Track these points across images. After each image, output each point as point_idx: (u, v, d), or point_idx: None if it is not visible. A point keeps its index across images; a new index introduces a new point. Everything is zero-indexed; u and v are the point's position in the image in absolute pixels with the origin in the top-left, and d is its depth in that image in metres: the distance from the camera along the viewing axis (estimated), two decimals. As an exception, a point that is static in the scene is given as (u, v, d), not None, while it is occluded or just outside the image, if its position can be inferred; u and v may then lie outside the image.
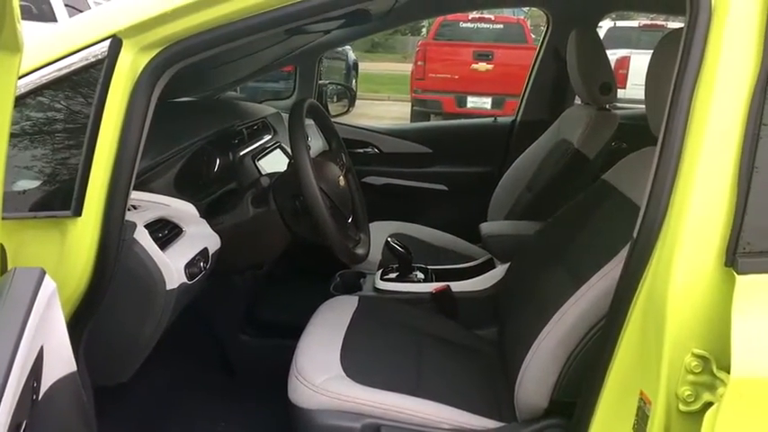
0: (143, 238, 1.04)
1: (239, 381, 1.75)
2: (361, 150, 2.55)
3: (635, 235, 0.94)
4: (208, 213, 1.28)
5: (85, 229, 0.94)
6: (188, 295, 1.19)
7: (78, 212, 0.93)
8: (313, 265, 2.01)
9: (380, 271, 1.79)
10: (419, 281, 1.74)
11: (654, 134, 1.09)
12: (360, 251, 1.38)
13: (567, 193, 1.80)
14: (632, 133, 1.91)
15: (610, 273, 1.13)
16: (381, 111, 9.49)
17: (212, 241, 1.24)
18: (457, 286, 1.70)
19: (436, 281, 1.75)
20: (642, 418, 0.92)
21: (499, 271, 1.71)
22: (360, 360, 1.33)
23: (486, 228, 1.72)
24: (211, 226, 1.26)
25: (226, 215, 1.32)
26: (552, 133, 2.09)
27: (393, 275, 1.76)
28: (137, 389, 1.62)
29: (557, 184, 1.82)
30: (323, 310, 1.55)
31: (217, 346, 1.78)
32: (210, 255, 1.22)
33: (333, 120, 2.58)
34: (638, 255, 0.93)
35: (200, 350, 1.80)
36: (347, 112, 2.70)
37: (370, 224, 2.23)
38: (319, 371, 1.28)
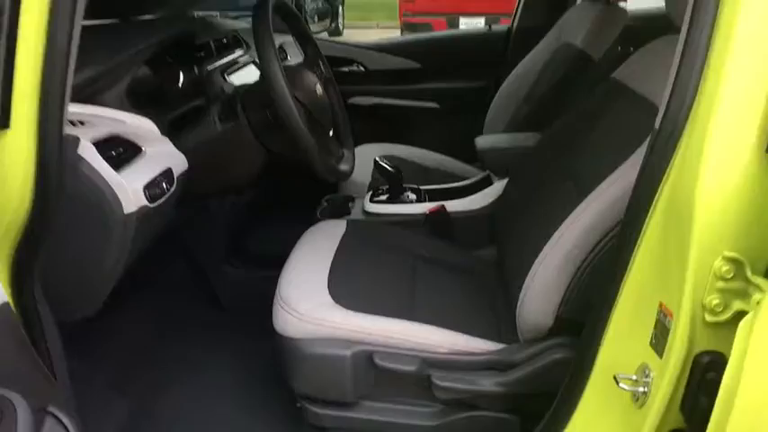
0: (91, 155, 0.91)
1: (226, 315, 1.66)
2: (346, 69, 2.37)
3: (656, 127, 0.82)
4: (171, 131, 1.14)
5: (17, 144, 0.81)
6: (155, 221, 1.07)
7: (5, 124, 0.79)
8: (298, 192, 1.89)
9: (370, 193, 1.67)
10: (411, 202, 1.62)
11: (674, 22, 0.95)
12: (343, 167, 1.25)
13: (570, 100, 1.66)
14: (638, 37, 1.75)
15: (623, 176, 1.01)
16: (370, 38, 9.09)
17: (177, 161, 1.11)
18: (452, 206, 1.59)
19: (429, 201, 1.63)
20: (662, 331, 0.83)
21: (497, 188, 1.59)
22: (349, 285, 1.23)
23: (481, 141, 1.59)
24: (176, 145, 1.12)
25: (191, 133, 1.18)
26: (552, 38, 1.92)
27: (383, 197, 1.64)
28: (119, 325, 1.54)
29: (558, 92, 1.67)
30: (308, 234, 1.44)
31: (201, 279, 1.68)
32: (176, 176, 1.09)
33: (317, 38, 2.40)
34: (659, 151, 0.81)
35: (184, 284, 1.71)
36: (330, 28, 2.49)
37: (358, 148, 2.09)
38: (305, 297, 1.18)
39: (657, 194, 0.81)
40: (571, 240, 1.05)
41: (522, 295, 1.11)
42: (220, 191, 1.33)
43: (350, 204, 1.67)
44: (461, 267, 1.44)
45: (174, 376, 1.41)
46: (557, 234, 1.08)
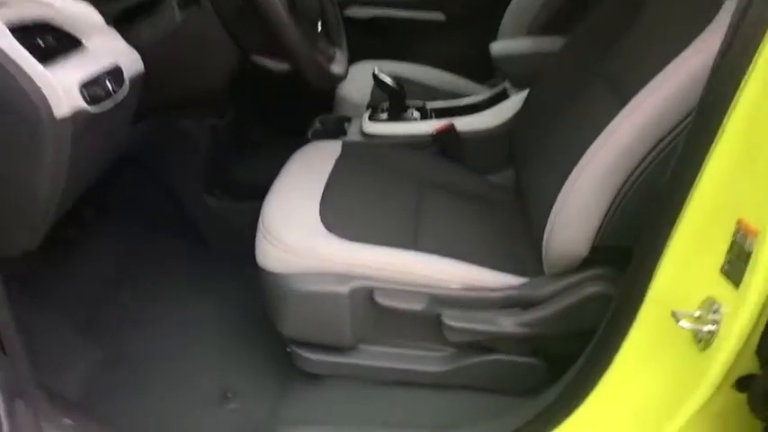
0: (6, 43, 0.71)
1: (208, 250, 1.49)
2: (341, -22, 2.09)
3: None
4: (121, 23, 0.92)
5: None
6: (101, 130, 0.87)
7: None
8: (287, 112, 1.68)
9: (368, 112, 1.46)
10: (415, 120, 1.41)
11: None
12: (336, 69, 1.03)
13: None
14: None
15: (680, 68, 0.81)
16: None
17: (128, 59, 0.90)
18: (462, 124, 1.38)
19: (436, 119, 1.42)
20: (739, 255, 0.65)
21: (515, 102, 1.38)
22: (344, 212, 1.05)
23: (497, 47, 1.37)
24: (127, 40, 0.91)
25: (145, 24, 0.95)
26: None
27: (384, 116, 1.43)
28: (86, 264, 1.37)
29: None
30: (298, 156, 1.24)
31: (179, 211, 1.49)
32: (128, 77, 0.88)
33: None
34: (753, 18, 0.60)
35: (160, 217, 1.52)
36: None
37: (354, 65, 1.87)
38: (293, 227, 1.00)
39: (747, 75, 0.61)
40: (611, 155, 0.86)
41: (550, 222, 0.92)
42: (187, 101, 1.12)
43: (346, 125, 1.47)
44: (474, 193, 1.26)
45: (148, 319, 1.25)
46: (592, 149, 0.88)
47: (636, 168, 0.83)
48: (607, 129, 0.88)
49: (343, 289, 0.95)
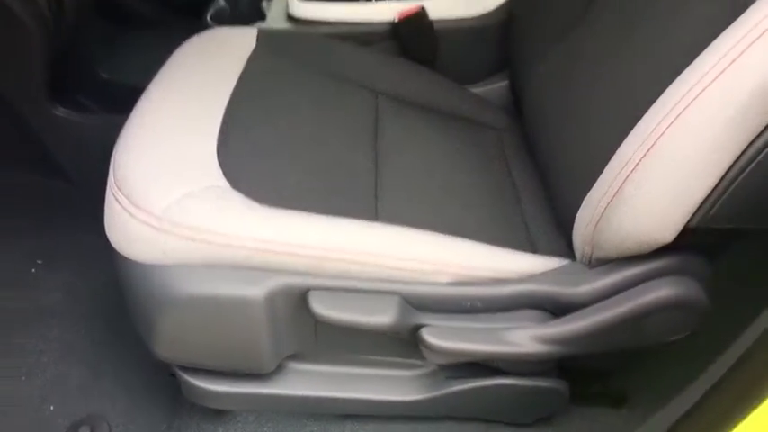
0: None
1: (64, 188, 1.03)
2: None
3: None
4: None
5: None
6: None
7: None
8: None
9: (298, -15, 0.99)
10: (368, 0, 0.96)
11: None
12: None
13: None
14: None
15: None
16: None
17: None
18: (437, 9, 0.95)
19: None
20: None
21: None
22: (258, 154, 0.63)
23: None
24: None
25: None
26: None
27: (321, -8, 0.97)
28: None
29: None
30: (185, 49, 0.79)
31: (24, 128, 1.01)
32: None
33: None
34: None
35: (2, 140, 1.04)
36: None
37: None
38: (169, 179, 0.58)
39: None
40: (728, 96, 0.47)
41: (611, 192, 0.55)
42: None
43: (264, 3, 0.99)
44: (452, 112, 0.86)
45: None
46: (684, 82, 0.50)
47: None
48: (714, 50, 0.49)
49: (257, 291, 0.56)
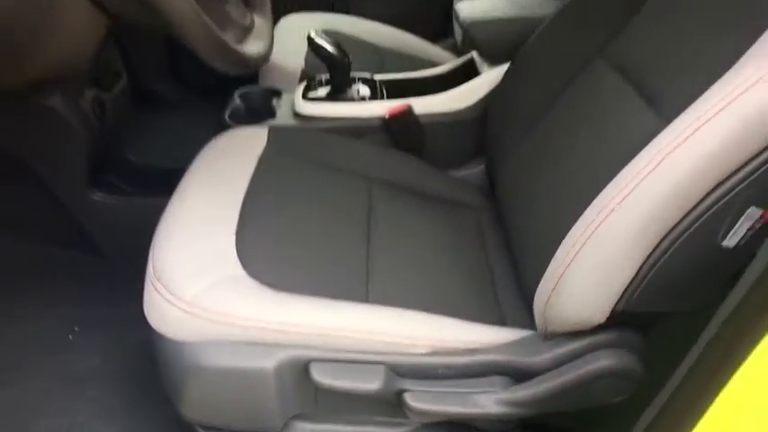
0: None
1: (98, 262, 1.17)
2: None
3: None
4: None
5: None
6: None
7: None
8: (197, 80, 1.34)
9: (303, 85, 1.15)
10: (363, 99, 1.12)
11: None
12: (253, 47, 0.72)
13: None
14: None
15: (758, 70, 0.56)
16: None
17: None
18: (422, 105, 1.10)
19: (389, 98, 1.13)
20: None
21: (487, 79, 1.10)
22: (270, 243, 0.77)
23: (467, 9, 1.07)
24: None
25: None
26: None
27: (323, 92, 1.12)
28: None
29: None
30: (208, 152, 0.93)
31: (64, 211, 1.16)
32: None
33: None
34: None
35: (37, 220, 1.18)
36: None
37: (283, 19, 1.53)
38: (197, 270, 0.71)
39: None
40: (651, 197, 0.60)
41: (552, 272, 0.68)
42: (42, 79, 0.78)
43: (274, 102, 1.15)
44: (437, 195, 1.00)
45: (3, 366, 0.95)
46: (617, 184, 0.63)
47: (686, 216, 0.59)
48: (645, 153, 0.62)
49: (268, 363, 0.68)
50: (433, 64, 1.44)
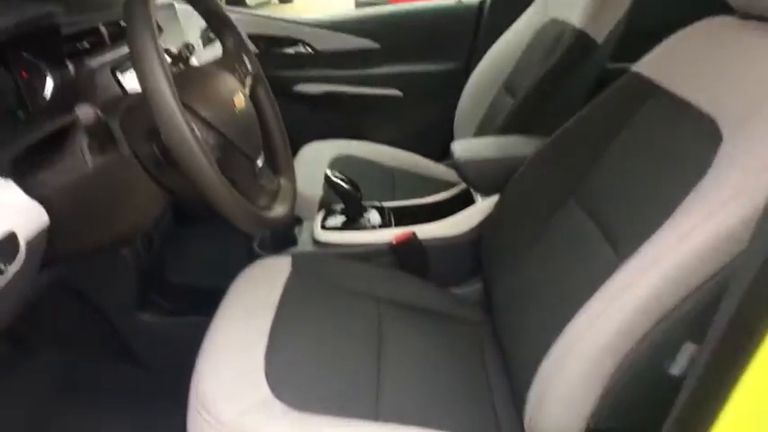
0: None
1: (146, 375, 1.31)
2: (291, 50, 1.98)
3: None
4: (21, 167, 0.76)
5: None
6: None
7: None
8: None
9: (321, 215, 1.33)
10: (373, 227, 1.29)
11: None
12: (278, 210, 0.89)
13: (567, 95, 1.34)
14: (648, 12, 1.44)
15: (692, 220, 0.69)
16: (320, 6, 8.53)
17: (26, 217, 0.74)
18: (425, 231, 1.26)
19: (396, 224, 1.30)
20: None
21: (482, 207, 1.27)
22: (294, 366, 0.90)
23: (460, 149, 1.26)
24: (28, 188, 0.75)
25: (52, 169, 0.79)
26: (537, 13, 1.59)
27: (338, 221, 1.30)
28: (15, 398, 1.17)
29: (550, 84, 1.35)
30: (239, 284, 1.09)
31: (113, 331, 1.31)
32: (24, 242, 0.72)
33: (252, 14, 1.99)
34: None
35: (91, 339, 1.34)
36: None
37: (305, 147, 1.74)
38: (233, 395, 0.84)
39: None
40: (603, 334, 0.73)
41: (534, 391, 0.80)
42: (107, 246, 0.96)
43: (296, 230, 1.32)
44: (439, 311, 1.13)
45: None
46: (592, 308, 0.76)
47: (631, 350, 0.72)
48: (605, 288, 0.75)
49: (293, 477, 0.80)
50: (438, 181, 1.63)
